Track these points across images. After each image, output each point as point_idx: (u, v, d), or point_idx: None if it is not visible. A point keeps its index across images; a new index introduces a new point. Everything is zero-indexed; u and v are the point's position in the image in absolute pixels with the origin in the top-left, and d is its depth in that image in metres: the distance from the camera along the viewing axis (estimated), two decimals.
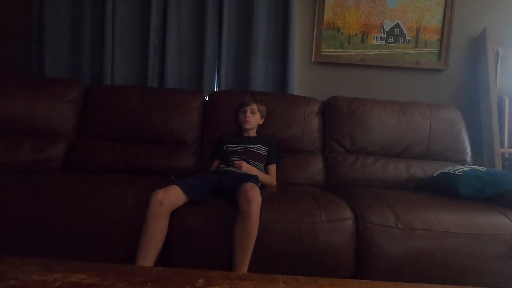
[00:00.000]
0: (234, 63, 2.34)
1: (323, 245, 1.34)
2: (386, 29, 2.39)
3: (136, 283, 0.58)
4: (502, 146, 2.23)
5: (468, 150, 2.10)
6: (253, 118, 1.85)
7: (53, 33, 2.25)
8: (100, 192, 1.43)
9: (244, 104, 1.87)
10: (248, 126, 1.84)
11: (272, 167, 1.83)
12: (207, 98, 2.17)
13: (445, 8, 2.36)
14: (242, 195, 1.32)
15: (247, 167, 1.67)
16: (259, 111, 1.88)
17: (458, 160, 2.07)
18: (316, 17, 2.37)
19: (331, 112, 2.12)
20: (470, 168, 1.74)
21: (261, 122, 1.92)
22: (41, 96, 1.97)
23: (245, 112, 1.83)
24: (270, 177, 1.79)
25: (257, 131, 1.92)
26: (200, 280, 0.59)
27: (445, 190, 1.72)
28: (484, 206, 1.52)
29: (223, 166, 1.74)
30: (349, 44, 2.40)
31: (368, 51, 2.40)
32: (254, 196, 1.31)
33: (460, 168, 1.75)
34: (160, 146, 1.99)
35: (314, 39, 2.39)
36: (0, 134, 1.88)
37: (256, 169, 1.72)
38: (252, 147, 1.79)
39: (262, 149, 1.81)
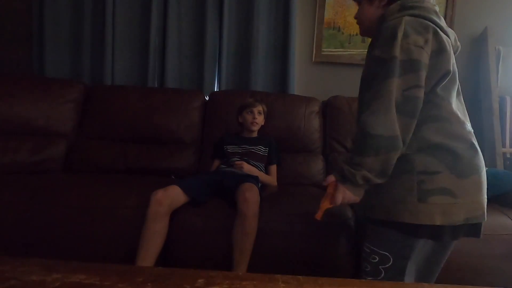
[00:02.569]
0: (234, 63, 2.34)
1: (323, 245, 1.34)
2: None
3: (136, 283, 0.58)
4: (503, 145, 2.22)
5: None
6: (260, 119, 1.85)
7: (53, 33, 2.25)
8: (100, 192, 1.43)
9: (250, 105, 1.84)
10: (255, 127, 1.83)
11: (273, 168, 1.83)
12: (207, 98, 2.17)
13: (446, 7, 2.35)
14: (240, 195, 1.32)
15: (248, 168, 1.67)
16: (263, 112, 1.88)
17: None
18: (316, 17, 2.37)
19: (332, 112, 2.11)
20: None
21: (263, 123, 1.92)
22: (41, 96, 1.97)
23: (253, 113, 1.81)
24: (271, 178, 1.79)
25: (258, 132, 1.92)
26: (200, 280, 0.59)
27: None
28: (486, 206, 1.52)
29: (223, 166, 1.74)
30: (349, 43, 2.39)
31: None
32: (251, 196, 1.31)
33: None
34: (160, 146, 1.99)
35: (315, 38, 2.38)
36: (0, 134, 1.88)
37: (256, 169, 1.72)
38: (252, 148, 1.79)
39: (262, 150, 1.81)
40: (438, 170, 0.86)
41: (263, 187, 1.63)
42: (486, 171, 1.65)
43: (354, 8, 2.36)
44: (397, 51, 0.84)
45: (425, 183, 0.86)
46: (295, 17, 2.28)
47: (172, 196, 1.33)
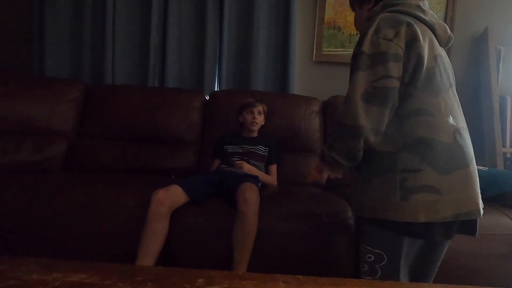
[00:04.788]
0: (234, 63, 2.33)
1: (323, 245, 1.34)
2: None
3: (136, 282, 0.58)
4: (504, 145, 2.22)
5: None
6: (260, 119, 1.85)
7: (53, 33, 2.24)
8: (100, 192, 1.43)
9: (250, 105, 1.83)
10: (255, 127, 1.83)
11: (273, 167, 1.83)
12: (207, 98, 2.17)
13: (446, 7, 2.35)
14: (240, 195, 1.32)
15: (248, 168, 1.67)
16: (264, 111, 1.88)
17: None
18: (317, 17, 2.37)
19: (332, 111, 2.11)
20: None
21: (263, 123, 1.92)
22: (42, 95, 1.97)
23: (253, 113, 1.81)
24: (271, 177, 1.79)
25: (258, 131, 1.92)
26: (200, 280, 0.59)
27: None
28: (486, 206, 1.50)
29: (223, 166, 1.74)
30: (350, 43, 2.39)
31: None
32: (251, 196, 1.31)
33: None
34: (160, 145, 1.99)
35: (315, 38, 2.38)
36: (0, 134, 1.88)
37: (256, 169, 1.72)
38: (252, 148, 1.79)
39: (263, 149, 1.81)
40: (420, 167, 0.87)
41: (263, 187, 1.63)
42: (487, 171, 1.66)
43: None
44: (366, 47, 0.89)
45: (407, 181, 0.87)
46: (296, 17, 2.28)
47: (173, 196, 1.33)
